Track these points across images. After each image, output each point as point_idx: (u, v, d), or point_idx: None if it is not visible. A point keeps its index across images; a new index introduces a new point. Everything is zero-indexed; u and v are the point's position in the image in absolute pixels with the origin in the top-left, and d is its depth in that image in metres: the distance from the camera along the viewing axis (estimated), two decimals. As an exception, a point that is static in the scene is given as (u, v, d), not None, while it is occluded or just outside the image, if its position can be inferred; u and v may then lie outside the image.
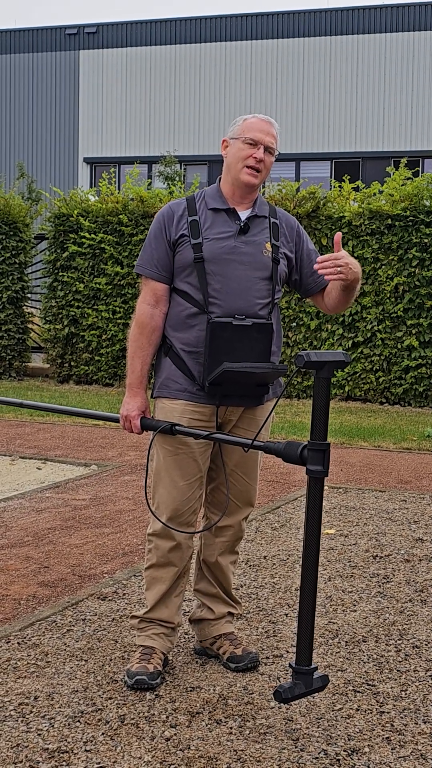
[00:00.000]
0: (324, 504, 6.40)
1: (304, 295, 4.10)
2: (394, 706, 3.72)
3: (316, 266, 3.67)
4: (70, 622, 4.53)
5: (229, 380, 3.72)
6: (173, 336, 3.88)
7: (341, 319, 12.95)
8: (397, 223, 12.61)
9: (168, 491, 3.90)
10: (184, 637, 4.37)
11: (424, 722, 3.58)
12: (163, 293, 3.89)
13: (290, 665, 3.43)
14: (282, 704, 3.69)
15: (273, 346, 3.86)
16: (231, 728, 3.48)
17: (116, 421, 4.03)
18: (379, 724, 3.57)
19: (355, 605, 4.86)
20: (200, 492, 3.97)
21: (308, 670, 3.40)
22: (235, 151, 3.84)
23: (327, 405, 3.29)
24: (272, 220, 3.94)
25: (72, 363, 14.81)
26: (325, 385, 3.29)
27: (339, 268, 3.64)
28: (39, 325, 16.18)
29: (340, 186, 13.56)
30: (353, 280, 3.73)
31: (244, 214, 3.89)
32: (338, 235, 3.67)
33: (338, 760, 3.28)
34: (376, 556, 5.74)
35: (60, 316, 14.72)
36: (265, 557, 5.65)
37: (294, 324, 13.19)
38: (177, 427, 3.80)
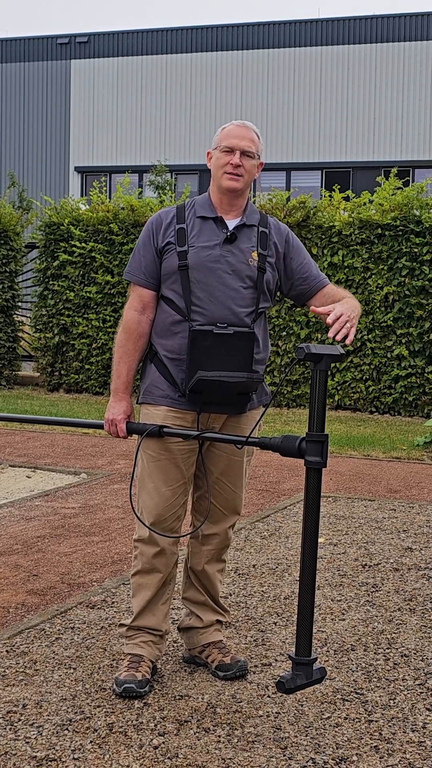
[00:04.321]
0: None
1: (298, 302, 4.08)
2: (383, 714, 3.73)
3: (330, 334, 3.65)
4: (58, 630, 4.53)
5: (207, 388, 3.75)
6: (158, 343, 3.91)
7: (331, 328, 12.95)
8: (387, 233, 12.64)
9: (151, 497, 3.92)
10: (173, 646, 4.37)
11: (413, 731, 3.59)
12: (150, 300, 3.93)
13: (290, 656, 3.43)
14: (269, 713, 3.69)
15: (256, 355, 3.87)
16: (219, 736, 3.48)
17: (100, 427, 4.04)
18: (368, 732, 3.57)
19: (343, 614, 4.87)
20: (184, 498, 3.98)
21: (308, 660, 3.40)
22: (215, 161, 3.91)
23: (324, 397, 3.35)
24: (261, 228, 3.96)
25: (62, 372, 14.80)
26: (323, 378, 3.34)
27: (347, 325, 3.64)
28: (29, 334, 16.16)
29: (330, 195, 13.59)
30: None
31: (232, 223, 3.91)
32: (313, 309, 3.70)
33: (326, 768, 3.28)
34: (365, 564, 5.75)
35: (50, 324, 14.70)
36: (254, 566, 5.65)
37: (284, 333, 13.21)
38: (165, 429, 3.82)
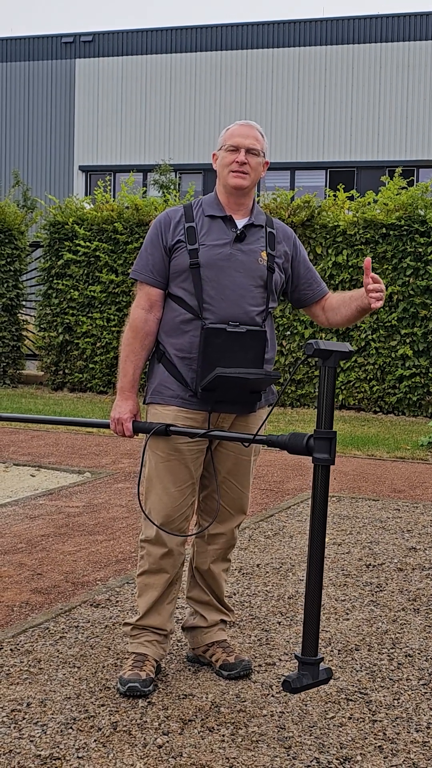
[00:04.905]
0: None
1: (297, 305, 4.14)
2: (387, 714, 3.73)
3: (369, 287, 3.72)
4: (63, 629, 4.53)
5: (221, 386, 3.73)
6: (167, 342, 3.90)
7: (335, 328, 12.93)
8: (391, 233, 12.63)
9: (159, 498, 3.90)
10: (177, 645, 4.37)
11: (417, 731, 3.59)
12: (157, 298, 3.92)
13: (296, 656, 3.41)
14: (273, 713, 3.69)
15: (266, 353, 3.88)
16: (223, 736, 3.48)
17: (105, 427, 4.02)
18: (372, 732, 3.57)
19: (348, 614, 4.86)
20: (192, 499, 3.98)
21: (314, 660, 3.38)
22: (221, 160, 3.92)
23: (332, 393, 3.35)
24: (269, 229, 3.97)
25: (66, 370, 14.81)
26: (332, 374, 3.35)
27: (380, 293, 3.73)
28: (33, 333, 16.17)
29: (334, 195, 13.59)
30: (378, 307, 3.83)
31: (240, 223, 3.91)
32: (368, 260, 3.71)
33: (330, 768, 3.28)
34: (369, 564, 5.74)
35: (54, 323, 14.72)
36: (258, 565, 5.65)
37: (288, 333, 13.21)
38: (171, 428, 3.80)
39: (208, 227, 3.88)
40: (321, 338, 13.02)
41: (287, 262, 4.00)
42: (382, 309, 12.66)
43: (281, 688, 3.90)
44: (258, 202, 13.93)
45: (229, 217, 3.90)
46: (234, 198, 3.91)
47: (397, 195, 12.93)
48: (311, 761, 3.32)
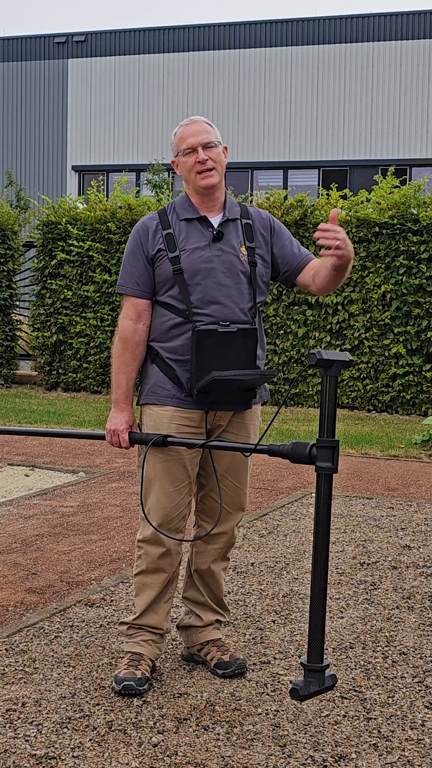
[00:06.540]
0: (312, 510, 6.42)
1: (291, 280, 4.03)
2: (382, 712, 3.73)
3: (317, 234, 3.63)
4: (57, 628, 4.54)
5: (217, 387, 3.74)
6: (158, 345, 3.90)
7: (329, 326, 12.97)
8: (384, 231, 12.64)
9: (158, 498, 3.91)
10: (172, 644, 4.38)
11: (411, 728, 3.59)
12: (144, 308, 3.91)
13: (302, 663, 3.39)
14: (268, 711, 3.70)
15: (258, 351, 3.88)
16: (218, 734, 3.49)
17: (101, 438, 4.01)
18: (367, 730, 3.57)
19: (342, 612, 4.87)
20: (189, 498, 3.98)
21: (320, 667, 3.37)
22: (182, 166, 3.92)
23: (335, 403, 3.35)
24: (244, 221, 3.96)
25: (60, 370, 14.80)
26: (333, 383, 3.35)
27: (337, 242, 3.62)
28: (27, 333, 16.16)
29: (327, 194, 13.59)
30: (347, 259, 3.71)
31: (215, 221, 3.91)
32: (335, 211, 3.67)
33: (325, 766, 3.29)
34: (364, 563, 5.75)
35: (48, 323, 14.71)
36: (252, 564, 5.65)
37: (281, 332, 13.21)
38: (169, 438, 3.80)
39: (186, 232, 3.88)
40: (314, 337, 13.03)
41: (268, 246, 3.98)
42: (375, 307, 12.66)
43: (284, 693, 3.91)
44: (251, 202, 13.96)
45: (203, 218, 3.90)
46: (206, 197, 3.91)
47: (389, 194, 12.94)
48: (306, 759, 3.33)
